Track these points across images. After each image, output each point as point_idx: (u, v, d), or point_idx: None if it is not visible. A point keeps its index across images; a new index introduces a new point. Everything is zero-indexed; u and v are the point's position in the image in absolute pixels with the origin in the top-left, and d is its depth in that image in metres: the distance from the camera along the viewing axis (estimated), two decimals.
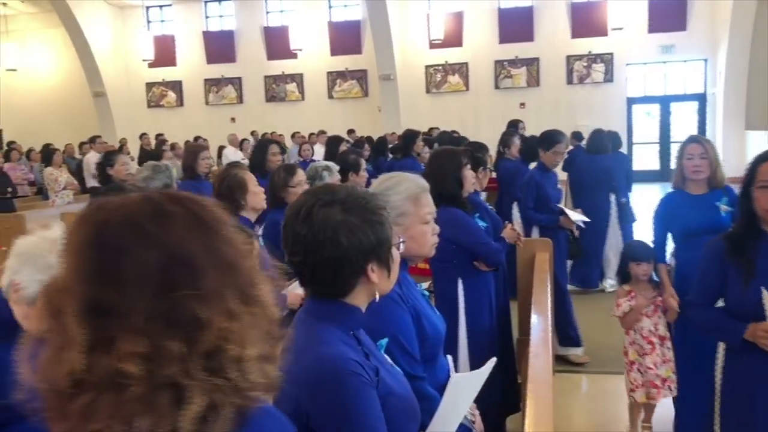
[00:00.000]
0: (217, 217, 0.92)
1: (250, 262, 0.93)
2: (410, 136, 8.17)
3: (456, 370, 3.27)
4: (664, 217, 3.75)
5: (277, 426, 0.98)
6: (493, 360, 1.84)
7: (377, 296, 1.57)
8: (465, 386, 1.83)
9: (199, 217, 0.90)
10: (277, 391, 0.99)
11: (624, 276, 3.96)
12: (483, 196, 5.19)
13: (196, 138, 14.09)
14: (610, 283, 6.79)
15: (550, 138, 5.37)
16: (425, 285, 3.58)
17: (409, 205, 2.15)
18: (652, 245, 3.85)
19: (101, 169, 5.56)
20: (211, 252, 0.88)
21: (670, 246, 3.84)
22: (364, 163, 5.22)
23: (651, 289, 3.87)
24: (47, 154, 10.14)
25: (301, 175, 3.95)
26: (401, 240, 1.69)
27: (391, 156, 9.08)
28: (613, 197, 7.15)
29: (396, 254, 1.61)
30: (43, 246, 2.02)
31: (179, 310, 0.83)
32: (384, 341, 1.66)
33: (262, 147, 6.05)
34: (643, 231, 5.14)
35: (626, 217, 7.24)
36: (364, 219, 1.51)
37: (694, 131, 17.40)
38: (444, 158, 3.58)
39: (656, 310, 3.84)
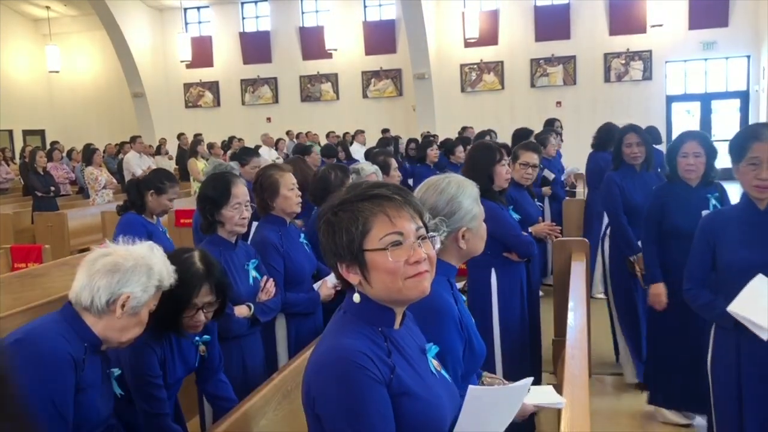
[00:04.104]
0: None
1: None
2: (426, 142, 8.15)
3: (491, 356, 3.28)
4: None
5: None
6: (530, 379, 1.73)
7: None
8: (490, 401, 1.63)
9: None
10: None
11: None
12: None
13: (231, 138, 14.25)
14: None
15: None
16: (460, 285, 3.56)
17: (477, 207, 2.08)
18: None
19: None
20: None
21: None
22: (394, 164, 5.23)
23: None
24: (88, 153, 10.31)
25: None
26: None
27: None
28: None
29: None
30: (139, 255, 1.99)
31: None
32: (430, 346, 1.59)
33: None
34: None
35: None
36: None
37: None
38: (479, 153, 3.77)
39: None
